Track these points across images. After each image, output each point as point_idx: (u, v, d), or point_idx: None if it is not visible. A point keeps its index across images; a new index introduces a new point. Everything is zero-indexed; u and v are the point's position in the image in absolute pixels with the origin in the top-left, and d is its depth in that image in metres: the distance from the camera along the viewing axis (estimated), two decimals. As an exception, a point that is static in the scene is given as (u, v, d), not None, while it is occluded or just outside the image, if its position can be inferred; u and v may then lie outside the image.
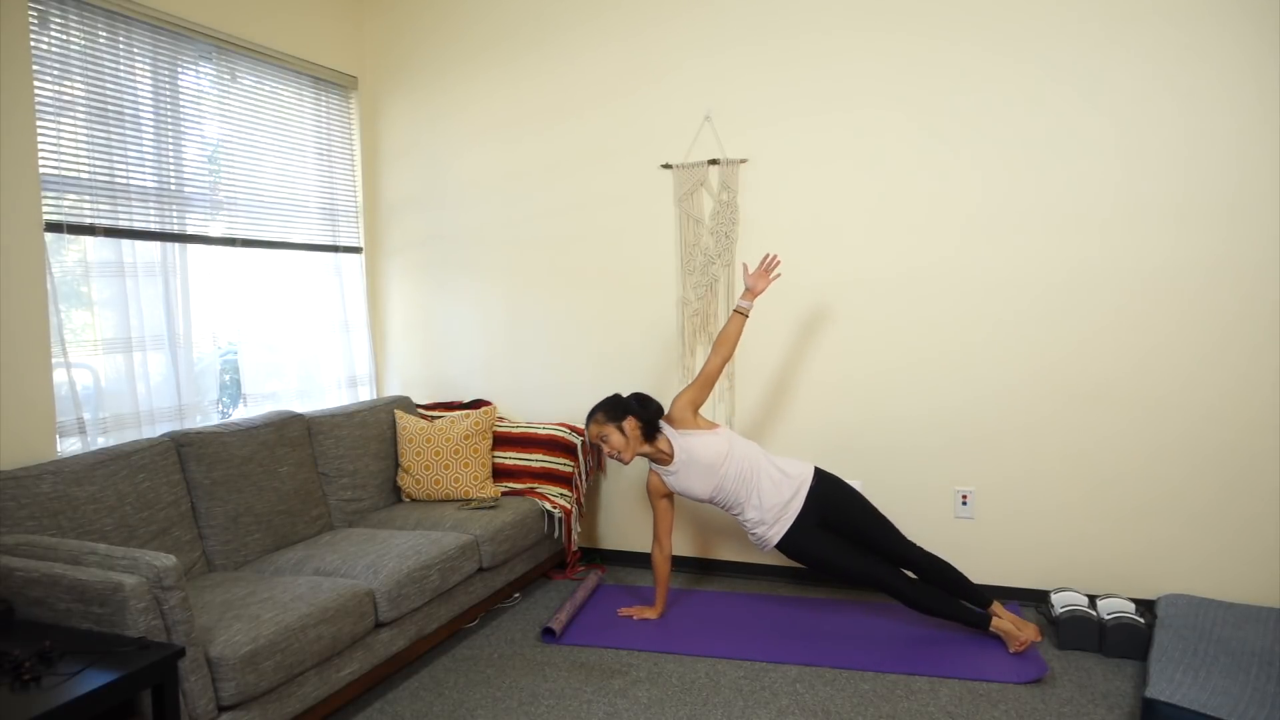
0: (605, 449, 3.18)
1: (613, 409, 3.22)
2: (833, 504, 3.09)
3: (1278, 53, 2.95)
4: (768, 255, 3.20)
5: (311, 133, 3.91)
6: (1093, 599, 3.14)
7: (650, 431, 3.18)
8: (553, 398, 4.05)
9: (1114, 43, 3.13)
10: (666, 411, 3.26)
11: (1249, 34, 2.98)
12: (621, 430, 3.15)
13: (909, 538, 3.16)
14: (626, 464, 3.22)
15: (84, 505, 2.49)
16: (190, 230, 3.27)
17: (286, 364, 3.78)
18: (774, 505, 3.07)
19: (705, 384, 3.21)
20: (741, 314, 3.16)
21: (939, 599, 2.98)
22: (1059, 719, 2.51)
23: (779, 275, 3.27)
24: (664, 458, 3.19)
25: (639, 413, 3.19)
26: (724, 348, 3.17)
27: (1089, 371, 3.25)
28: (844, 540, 3.07)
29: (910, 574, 3.05)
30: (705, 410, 3.76)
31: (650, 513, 3.87)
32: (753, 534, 3.15)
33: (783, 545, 3.09)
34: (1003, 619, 2.96)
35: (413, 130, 4.20)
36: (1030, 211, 3.27)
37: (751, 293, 3.16)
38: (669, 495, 3.27)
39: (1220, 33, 3.01)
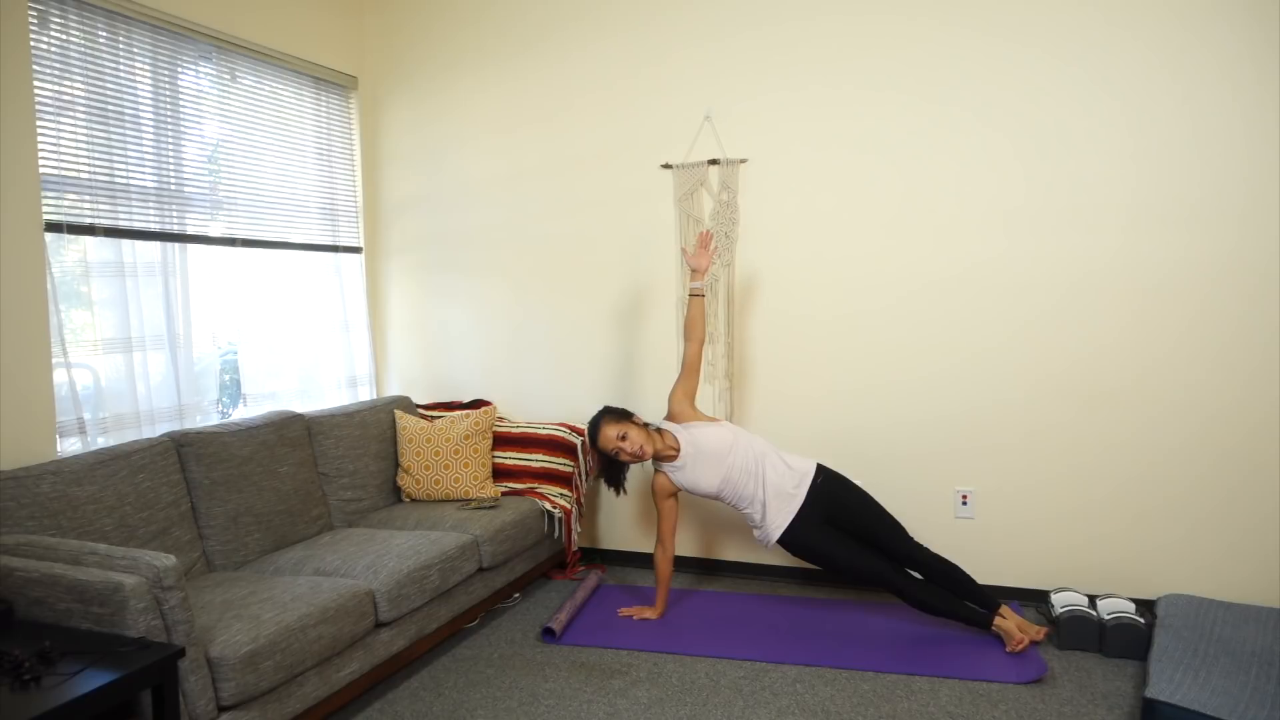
0: (625, 448, 3.16)
1: (616, 411, 3.27)
2: (837, 500, 3.10)
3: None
4: (703, 232, 3.34)
5: (311, 133, 3.91)
6: (1093, 599, 3.14)
7: (647, 425, 3.27)
8: (553, 398, 4.05)
9: (1122, 42, 3.13)
10: (666, 410, 3.29)
11: (1258, 37, 2.98)
12: (637, 426, 3.20)
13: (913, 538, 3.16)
14: (647, 459, 3.22)
15: (84, 505, 2.49)
16: (190, 230, 3.27)
17: (286, 364, 3.78)
18: (778, 495, 3.10)
19: (690, 371, 3.29)
20: (697, 295, 3.27)
21: (942, 598, 2.98)
22: (1059, 719, 2.51)
23: (716, 248, 3.51)
24: (670, 454, 3.20)
25: (623, 415, 3.26)
26: (694, 332, 3.28)
27: (1090, 373, 3.25)
28: (847, 536, 3.07)
29: (916, 574, 3.06)
30: (705, 408, 3.76)
31: (653, 514, 3.88)
32: (756, 529, 3.17)
33: (784, 540, 3.10)
34: (1007, 620, 2.97)
35: (413, 130, 4.20)
36: (1037, 215, 3.27)
37: (698, 272, 3.27)
38: (675, 495, 3.28)
39: (1230, 35, 3.01)
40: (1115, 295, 3.19)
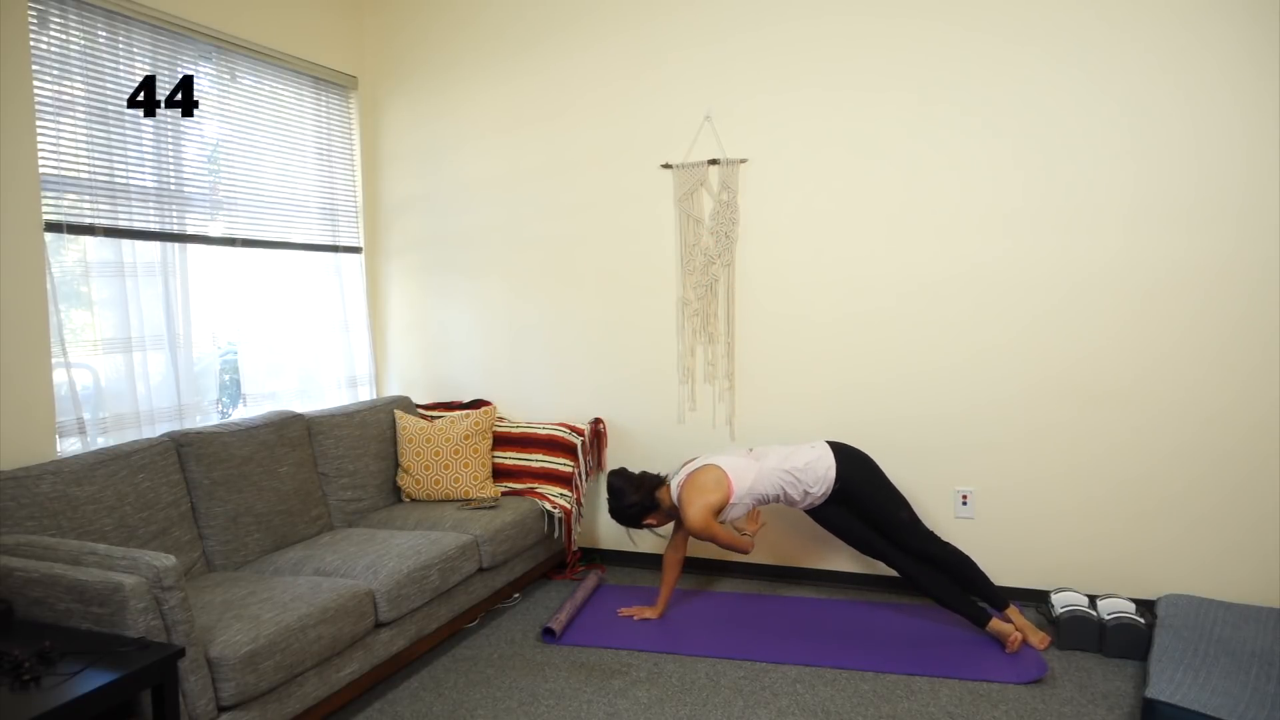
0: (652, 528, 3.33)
1: (632, 520, 3.26)
2: (851, 496, 3.10)
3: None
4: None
5: (311, 133, 3.91)
6: (1093, 599, 3.14)
7: (656, 496, 3.25)
8: (553, 398, 4.05)
9: (1121, 43, 3.13)
10: (684, 507, 3.13)
11: (1259, 37, 2.98)
12: (650, 524, 3.26)
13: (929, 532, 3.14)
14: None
15: (84, 505, 2.49)
16: (190, 230, 3.27)
17: (286, 364, 3.78)
18: (798, 505, 3.16)
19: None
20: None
21: (944, 588, 2.99)
22: (1059, 719, 2.51)
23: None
24: None
25: (642, 504, 3.23)
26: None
27: (1090, 373, 3.25)
28: (862, 523, 3.13)
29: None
30: (705, 408, 3.77)
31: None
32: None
33: (810, 514, 3.20)
34: (1010, 622, 2.98)
35: (413, 130, 4.20)
36: (1036, 216, 3.27)
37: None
38: None
39: (1230, 35, 3.01)
40: (1115, 295, 3.19)
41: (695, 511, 3.03)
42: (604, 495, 4.00)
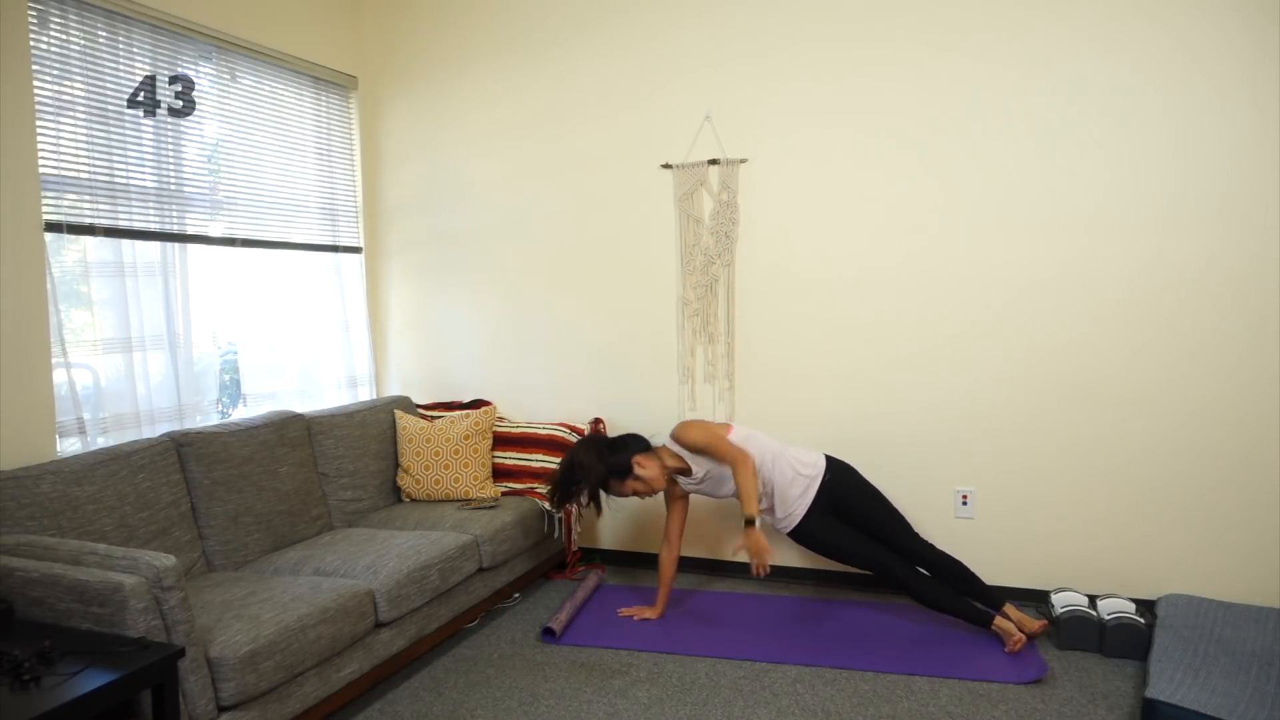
0: (645, 496, 3.18)
1: (618, 467, 3.13)
2: (844, 496, 3.12)
3: (1268, 52, 2.95)
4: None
5: (311, 133, 3.91)
6: (1093, 599, 3.14)
7: (645, 447, 3.21)
8: (552, 398, 4.05)
9: (1105, 45, 3.13)
10: (678, 435, 3.15)
11: (1239, 34, 2.98)
12: (640, 477, 3.13)
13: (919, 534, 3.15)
14: (661, 490, 3.19)
15: (84, 505, 2.49)
16: (190, 230, 3.27)
17: (286, 364, 3.78)
18: (784, 499, 3.11)
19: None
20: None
21: (945, 594, 2.99)
22: (1059, 719, 2.51)
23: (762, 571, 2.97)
24: (684, 470, 3.20)
25: (633, 446, 3.18)
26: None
27: (1089, 370, 3.25)
28: (854, 529, 3.10)
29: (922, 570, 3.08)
30: (705, 408, 3.77)
31: (653, 513, 3.88)
32: (770, 522, 3.19)
33: (794, 534, 3.12)
34: (1009, 620, 2.98)
35: (413, 131, 4.20)
36: (1026, 210, 3.27)
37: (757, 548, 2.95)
38: (685, 497, 3.30)
39: (1210, 33, 3.01)
40: (1111, 291, 3.19)
41: (697, 429, 3.09)
42: (604, 496, 3.99)
